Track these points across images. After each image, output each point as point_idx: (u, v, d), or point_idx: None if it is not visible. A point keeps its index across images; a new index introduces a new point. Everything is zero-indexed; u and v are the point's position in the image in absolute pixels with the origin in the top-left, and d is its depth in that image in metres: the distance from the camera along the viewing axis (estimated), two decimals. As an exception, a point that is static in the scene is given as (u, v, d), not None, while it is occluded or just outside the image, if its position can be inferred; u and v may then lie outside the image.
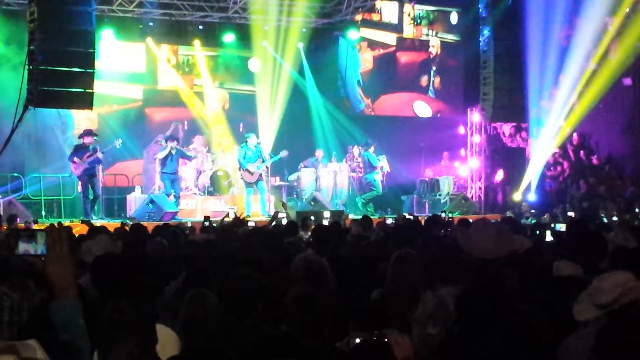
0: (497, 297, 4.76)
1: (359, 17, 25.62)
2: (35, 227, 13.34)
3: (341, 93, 26.97)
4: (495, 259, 6.26)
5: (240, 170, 20.97)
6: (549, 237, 10.22)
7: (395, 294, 5.70)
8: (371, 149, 22.64)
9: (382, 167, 22.71)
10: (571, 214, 16.51)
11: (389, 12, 26.77)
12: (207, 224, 12.99)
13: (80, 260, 7.02)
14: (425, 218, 15.23)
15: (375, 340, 4.05)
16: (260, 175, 20.84)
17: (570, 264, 6.09)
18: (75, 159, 18.97)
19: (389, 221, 15.06)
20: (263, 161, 20.81)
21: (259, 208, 20.75)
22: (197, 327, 5.01)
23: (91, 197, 19.10)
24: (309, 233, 10.89)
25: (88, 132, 19.55)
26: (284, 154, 21.46)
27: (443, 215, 17.73)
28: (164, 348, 4.00)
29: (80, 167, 18.95)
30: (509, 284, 5.67)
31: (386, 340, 4.00)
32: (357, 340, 4.16)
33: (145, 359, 3.64)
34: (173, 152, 20.17)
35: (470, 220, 12.27)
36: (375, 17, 26.59)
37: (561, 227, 10.78)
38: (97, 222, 16.94)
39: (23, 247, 3.85)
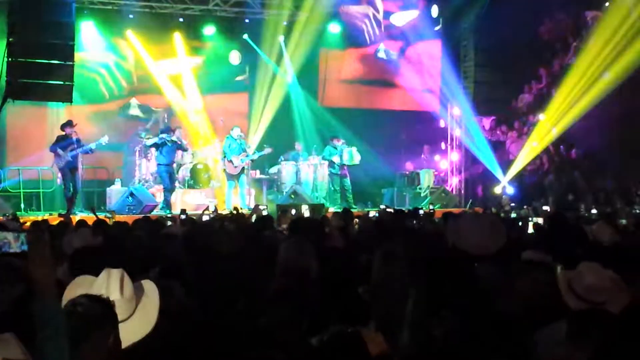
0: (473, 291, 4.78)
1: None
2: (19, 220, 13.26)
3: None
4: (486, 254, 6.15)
5: (224, 160, 20.93)
6: (530, 230, 10.28)
7: (382, 291, 5.69)
8: (333, 142, 22.11)
9: (333, 162, 21.94)
10: (546, 208, 16.58)
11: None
12: (184, 216, 12.96)
13: (60, 252, 7.04)
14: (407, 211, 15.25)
15: (349, 333, 4.07)
16: (243, 168, 20.81)
17: (539, 254, 6.08)
18: (59, 150, 18.76)
19: (372, 214, 15.12)
20: (247, 155, 20.79)
21: (238, 201, 20.69)
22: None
23: (71, 190, 18.98)
24: (285, 225, 10.86)
25: (69, 123, 19.39)
26: (267, 151, 21.46)
27: (428, 208, 17.80)
28: None
29: (63, 160, 18.80)
30: (490, 279, 5.65)
31: (359, 334, 4.02)
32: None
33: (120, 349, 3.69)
34: (169, 143, 20.06)
35: (455, 213, 12.34)
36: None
37: (537, 220, 10.84)
38: (77, 215, 16.87)
39: (5, 241, 3.84)
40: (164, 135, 19.94)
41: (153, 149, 20.60)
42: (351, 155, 21.81)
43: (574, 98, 23.51)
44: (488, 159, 24.37)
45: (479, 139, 24.95)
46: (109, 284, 3.98)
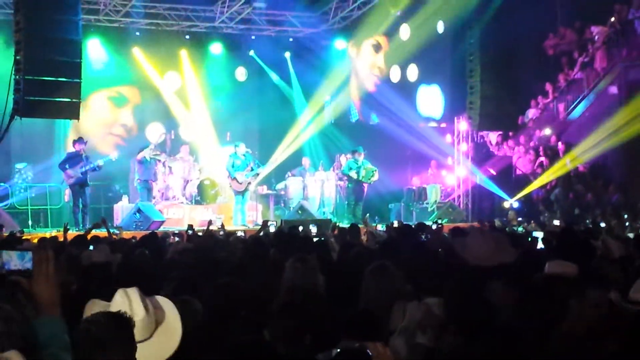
0: (482, 304, 4.78)
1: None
2: (24, 237, 13.29)
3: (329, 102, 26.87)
4: (490, 266, 6.23)
5: (228, 179, 20.97)
6: (540, 245, 10.25)
7: (369, 305, 5.71)
8: (355, 156, 21.79)
9: (350, 177, 21.64)
10: (557, 222, 16.53)
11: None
12: (190, 232, 12.98)
13: (78, 266, 7.12)
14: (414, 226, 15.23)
15: (356, 349, 4.07)
16: (249, 184, 20.82)
17: (564, 265, 6.05)
18: (69, 171, 18.85)
19: (379, 228, 15.10)
20: (252, 169, 20.79)
21: (239, 218, 20.71)
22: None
23: (80, 207, 19.01)
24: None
25: (80, 140, 19.48)
26: (271, 163, 21.59)
27: (435, 224, 17.72)
28: None
29: (74, 177, 18.87)
30: (498, 294, 5.64)
31: (368, 351, 4.02)
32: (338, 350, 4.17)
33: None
34: (149, 158, 20.38)
35: (463, 229, 12.33)
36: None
37: (538, 234, 10.82)
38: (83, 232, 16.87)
39: (9, 259, 3.85)
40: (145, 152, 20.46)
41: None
42: (369, 173, 21.65)
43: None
44: (495, 174, 24.34)
45: (486, 153, 24.98)
46: (131, 302, 3.88)
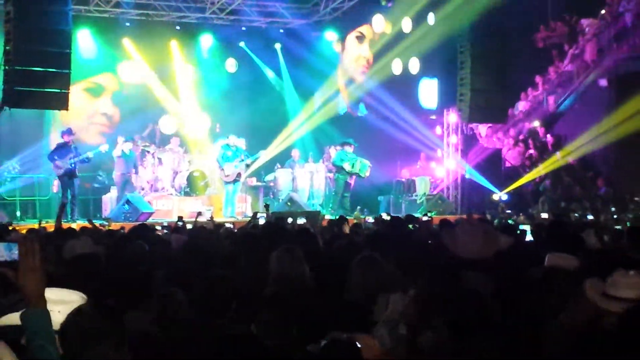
0: (459, 296, 4.79)
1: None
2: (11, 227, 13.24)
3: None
4: (480, 258, 6.25)
5: (219, 169, 20.98)
6: (529, 237, 10.28)
7: (355, 297, 5.73)
8: (345, 148, 21.81)
9: (343, 168, 21.57)
10: (545, 215, 16.54)
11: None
12: (180, 224, 12.97)
13: (61, 259, 7.08)
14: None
15: (345, 341, 4.09)
16: (239, 174, 20.82)
17: (566, 256, 6.02)
18: (58, 161, 18.85)
19: (370, 219, 15.14)
20: (241, 160, 20.78)
21: (228, 209, 20.76)
22: (166, 323, 5.02)
23: (69, 197, 18.98)
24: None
25: (69, 131, 19.45)
26: (262, 153, 21.59)
27: (425, 216, 17.71)
28: None
29: (62, 168, 18.85)
30: (484, 285, 5.64)
31: (356, 342, 4.04)
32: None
33: (118, 357, 3.65)
34: (127, 152, 20.53)
35: (451, 221, 12.36)
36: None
37: (527, 227, 10.85)
38: (72, 223, 16.85)
39: None
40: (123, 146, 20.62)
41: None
42: (364, 167, 21.68)
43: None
44: (484, 166, 24.38)
45: (475, 146, 25.03)
46: None
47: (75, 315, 3.66)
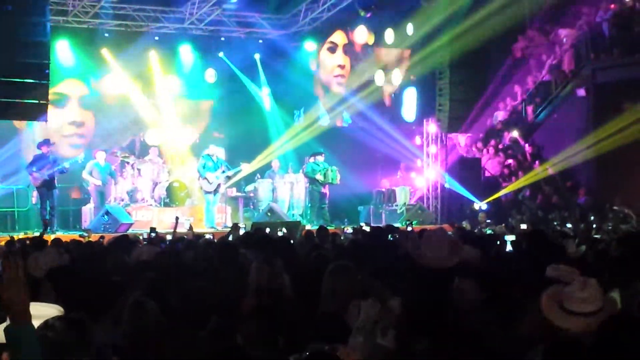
0: (445, 305, 4.80)
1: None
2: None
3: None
4: (445, 268, 6.28)
5: (199, 179, 20.95)
6: (508, 247, 10.28)
7: (327, 306, 5.73)
8: (317, 159, 22.03)
9: (316, 179, 21.73)
10: (524, 226, 16.57)
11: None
12: (153, 235, 12.89)
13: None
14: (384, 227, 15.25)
15: (326, 352, 4.09)
16: (219, 185, 20.81)
17: (566, 268, 5.95)
18: (35, 173, 18.76)
19: (349, 230, 15.13)
20: (223, 172, 20.79)
21: (205, 220, 20.77)
22: (138, 335, 5.00)
23: (48, 209, 18.91)
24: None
25: (46, 142, 19.38)
26: (244, 166, 21.60)
27: (405, 225, 17.71)
28: None
29: (40, 179, 18.77)
30: (468, 295, 5.65)
31: (337, 353, 4.04)
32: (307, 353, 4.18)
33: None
34: (102, 163, 20.62)
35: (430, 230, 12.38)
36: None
37: (509, 238, 10.85)
38: (55, 234, 16.76)
39: None
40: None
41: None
42: (334, 174, 21.81)
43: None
44: (464, 176, 24.41)
45: (454, 156, 25.09)
46: None
47: (42, 329, 3.65)
